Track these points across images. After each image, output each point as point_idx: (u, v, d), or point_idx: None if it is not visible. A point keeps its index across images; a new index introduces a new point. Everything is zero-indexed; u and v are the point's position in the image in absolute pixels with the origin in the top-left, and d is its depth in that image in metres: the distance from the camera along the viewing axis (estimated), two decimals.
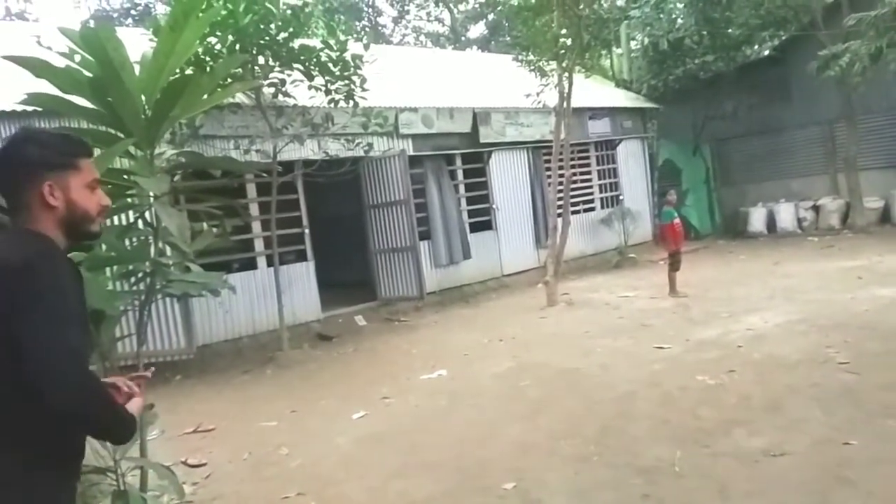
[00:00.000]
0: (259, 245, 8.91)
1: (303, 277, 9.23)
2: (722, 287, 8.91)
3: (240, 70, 7.12)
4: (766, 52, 14.85)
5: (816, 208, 13.92)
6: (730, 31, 13.85)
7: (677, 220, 8.77)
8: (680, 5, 14.03)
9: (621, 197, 13.82)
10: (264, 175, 7.93)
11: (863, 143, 12.96)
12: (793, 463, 3.43)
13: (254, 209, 8.82)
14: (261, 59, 7.46)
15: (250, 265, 8.93)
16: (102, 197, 1.70)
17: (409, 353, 7.55)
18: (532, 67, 10.00)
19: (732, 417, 4.17)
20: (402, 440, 4.62)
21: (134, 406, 1.66)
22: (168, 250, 2.93)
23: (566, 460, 3.86)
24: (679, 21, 14.19)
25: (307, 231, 9.33)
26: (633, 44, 16.85)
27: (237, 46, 7.03)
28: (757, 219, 14.63)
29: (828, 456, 3.45)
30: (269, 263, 8.44)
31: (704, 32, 13.88)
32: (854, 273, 8.54)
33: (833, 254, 10.61)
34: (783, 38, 14.19)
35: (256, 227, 8.87)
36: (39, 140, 1.64)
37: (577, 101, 10.29)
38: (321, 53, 7.65)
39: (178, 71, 3.38)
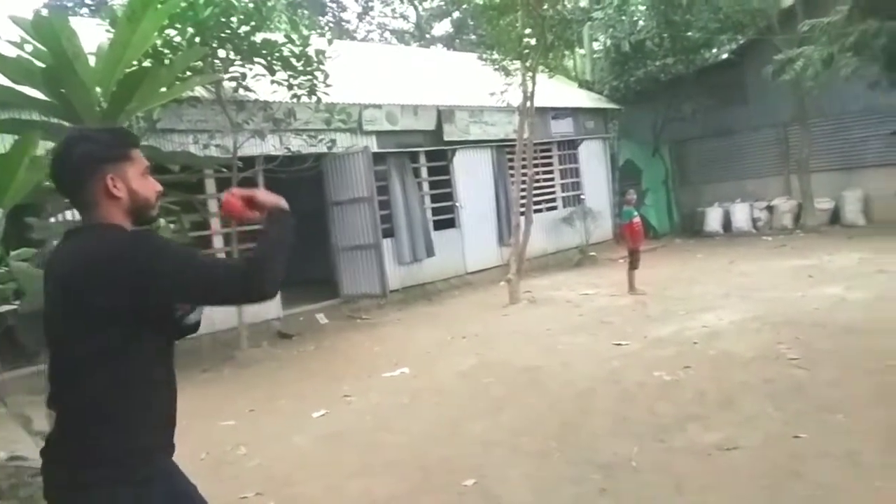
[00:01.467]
0: (218, 242, 8.76)
1: None
2: (679, 285, 9.10)
3: (200, 63, 6.99)
4: (725, 56, 15.18)
5: (770, 209, 14.33)
6: (689, 34, 14.12)
7: (637, 220, 8.93)
8: (642, 8, 14.28)
9: (583, 196, 14.00)
10: (224, 170, 7.80)
11: (815, 146, 13.38)
12: (745, 457, 3.53)
13: (213, 205, 8.67)
14: (221, 53, 7.32)
15: None
16: (155, 183, 1.78)
17: (371, 350, 7.52)
18: (496, 66, 10.05)
19: (688, 413, 4.27)
20: (362, 439, 4.60)
21: (266, 199, 1.88)
22: None
23: (527, 456, 3.89)
24: (640, 23, 14.44)
25: None
26: (595, 45, 17.07)
27: (197, 39, 6.89)
28: (713, 218, 14.99)
29: (779, 449, 3.56)
30: None
31: (665, 35, 14.14)
32: (805, 272, 8.81)
33: (786, 253, 10.94)
34: (741, 42, 14.54)
35: (215, 223, 8.71)
36: (93, 137, 1.73)
37: (540, 101, 10.38)
38: (283, 48, 7.55)
39: (135, 63, 3.31)
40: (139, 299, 1.56)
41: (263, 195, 1.86)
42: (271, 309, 9.08)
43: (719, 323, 6.61)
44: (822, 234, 12.57)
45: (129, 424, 1.64)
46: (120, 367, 1.60)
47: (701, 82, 14.57)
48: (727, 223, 14.82)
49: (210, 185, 8.71)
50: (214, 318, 8.43)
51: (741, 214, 14.58)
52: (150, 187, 1.75)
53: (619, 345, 6.22)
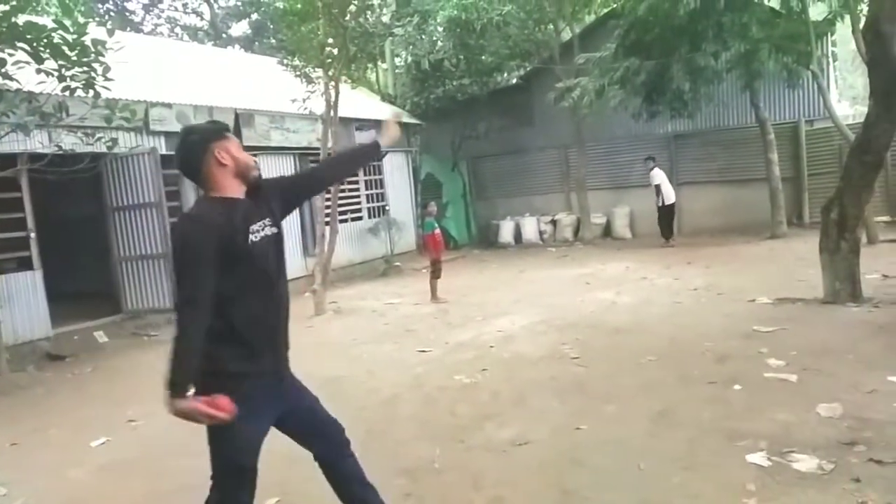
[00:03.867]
0: None
1: (27, 289, 7.96)
2: (477, 293, 9.62)
3: None
4: (514, 80, 16.44)
5: (554, 222, 15.75)
6: (483, 57, 15.05)
7: (438, 231, 9.28)
8: (440, 29, 14.93)
9: (387, 207, 14.23)
10: None
11: (590, 167, 14.98)
12: (535, 450, 3.80)
13: None
14: None
15: None
16: (248, 156, 2.41)
17: (159, 370, 6.89)
18: (298, 73, 9.85)
19: (485, 412, 4.51)
20: (151, 466, 4.20)
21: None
22: None
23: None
24: (439, 43, 15.08)
25: (33, 235, 8.08)
26: (397, 60, 17.51)
27: None
28: (506, 231, 16.11)
29: (563, 441, 3.89)
30: None
31: (461, 57, 14.93)
32: (583, 279, 9.80)
33: (567, 263, 12.08)
34: (528, 68, 15.85)
35: None
36: (197, 128, 2.45)
37: (343, 111, 10.36)
38: (54, 34, 6.68)
39: None
40: None
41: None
42: (37, 327, 7.98)
43: (512, 327, 7.08)
44: (597, 246, 14.10)
45: None
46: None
47: (494, 103, 15.63)
48: (518, 235, 16.02)
49: None
50: None
51: (530, 227, 15.84)
52: (247, 156, 2.39)
53: (422, 351, 6.39)
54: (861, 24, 7.65)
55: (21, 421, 5.50)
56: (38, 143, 7.44)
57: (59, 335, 8.25)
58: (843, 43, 16.60)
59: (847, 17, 10.18)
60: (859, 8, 9.66)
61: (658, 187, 12.51)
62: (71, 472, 4.23)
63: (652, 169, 12.61)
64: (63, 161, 7.49)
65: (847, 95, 29.20)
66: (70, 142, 7.60)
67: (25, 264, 8.11)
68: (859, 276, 6.57)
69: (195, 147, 2.30)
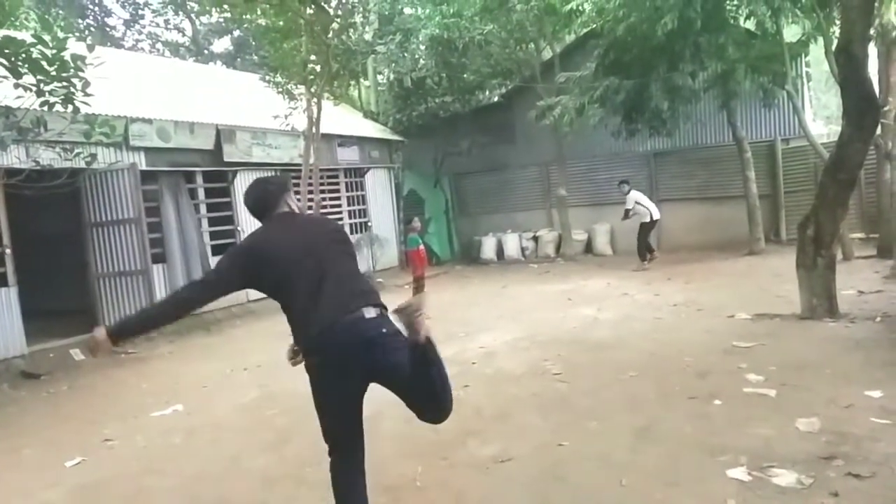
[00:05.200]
0: None
1: (2, 306, 7.83)
2: (459, 309, 9.61)
3: None
4: (496, 98, 16.58)
5: (536, 239, 15.83)
6: (465, 75, 15.18)
7: (422, 247, 9.29)
8: (422, 47, 15.04)
9: (370, 223, 14.22)
10: None
11: (571, 184, 15.11)
12: (518, 466, 3.79)
13: None
14: None
15: None
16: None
17: (137, 388, 6.81)
18: (280, 89, 9.86)
19: (467, 428, 4.48)
20: (127, 486, 4.12)
21: None
22: None
23: (312, 488, 3.78)
24: (421, 61, 15.19)
25: (8, 251, 7.95)
26: (380, 78, 17.59)
27: None
28: (488, 247, 16.15)
29: (546, 457, 3.88)
30: None
31: (444, 75, 15.03)
32: (565, 295, 9.84)
33: (549, 279, 12.13)
34: (509, 87, 16.00)
35: None
36: (274, 180, 3.50)
37: (326, 128, 10.39)
38: (33, 49, 6.62)
39: None
40: None
41: None
42: (11, 345, 7.83)
43: (494, 343, 7.08)
44: (579, 262, 14.18)
45: None
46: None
47: (476, 121, 15.73)
48: (500, 251, 16.06)
49: None
50: None
51: (512, 243, 15.90)
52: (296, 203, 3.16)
53: None
54: (833, 46, 7.84)
55: None
56: (14, 158, 7.36)
57: (35, 353, 8.10)
58: (817, 63, 16.99)
59: (820, 39, 10.44)
60: (832, 30, 9.91)
61: (627, 211, 12.23)
62: (45, 493, 4.14)
63: (628, 193, 12.29)
64: (41, 176, 7.39)
65: (821, 115, 29.84)
66: (48, 157, 7.51)
67: (0, 281, 7.97)
68: (835, 292, 6.68)
69: (279, 194, 3.04)
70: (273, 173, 11.76)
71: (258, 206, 2.99)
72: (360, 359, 2.68)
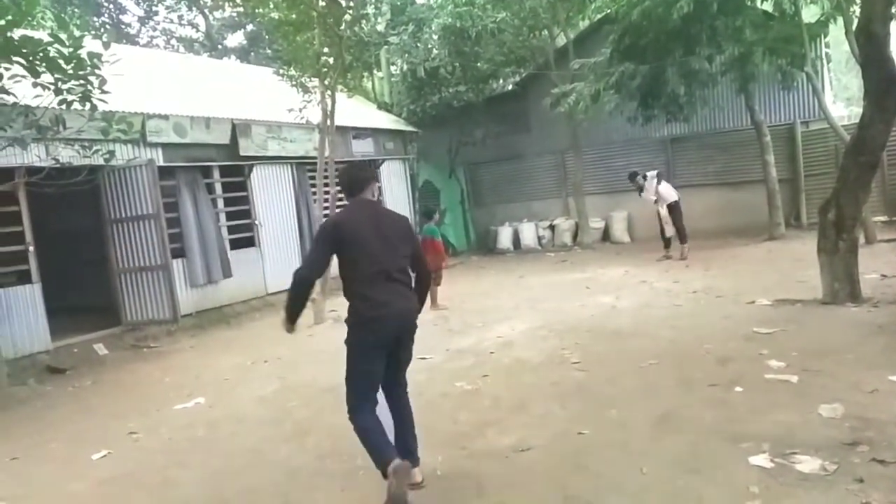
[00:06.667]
0: None
1: (26, 302, 7.96)
2: (476, 299, 9.61)
3: None
4: (510, 87, 16.48)
5: (552, 227, 15.76)
6: (479, 64, 15.10)
7: (439, 239, 9.27)
8: (435, 37, 14.98)
9: None
10: None
11: (587, 172, 15.01)
12: (538, 455, 3.80)
13: None
14: None
15: None
16: None
17: (160, 382, 6.90)
18: (294, 83, 9.87)
19: (486, 419, 4.50)
20: (152, 478, 4.19)
21: None
22: None
23: (333, 479, 3.82)
24: (434, 51, 15.13)
25: (31, 248, 8.08)
26: (393, 69, 17.55)
27: None
28: (505, 237, 16.11)
29: (566, 446, 3.88)
30: None
31: (457, 64, 14.96)
32: (583, 283, 9.80)
33: (566, 267, 12.08)
34: (523, 75, 15.90)
35: None
36: (366, 166, 4.48)
37: (340, 120, 10.38)
38: (50, 48, 6.69)
39: None
40: None
41: None
42: (37, 341, 7.97)
43: (512, 333, 7.08)
44: (596, 250, 14.11)
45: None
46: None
47: (490, 110, 15.66)
48: (517, 241, 16.02)
49: None
50: None
51: (528, 233, 15.85)
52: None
53: (423, 359, 6.36)
54: (854, 26, 7.69)
55: (21, 435, 5.48)
56: (35, 156, 7.45)
57: (59, 348, 8.24)
58: (837, 44, 16.65)
59: (840, 19, 10.23)
60: (852, 10, 9.72)
61: (656, 200, 11.36)
62: (72, 485, 4.22)
63: (644, 181, 11.50)
64: (60, 174, 7.50)
65: (842, 97, 29.31)
66: (67, 155, 7.61)
67: (24, 278, 8.10)
68: (858, 276, 6.58)
69: (369, 178, 3.63)
70: (289, 167, 11.83)
71: (349, 187, 3.59)
72: (392, 339, 3.53)
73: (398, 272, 3.47)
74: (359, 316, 3.42)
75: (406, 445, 3.56)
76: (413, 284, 3.63)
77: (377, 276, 3.39)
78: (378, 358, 3.51)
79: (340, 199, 12.46)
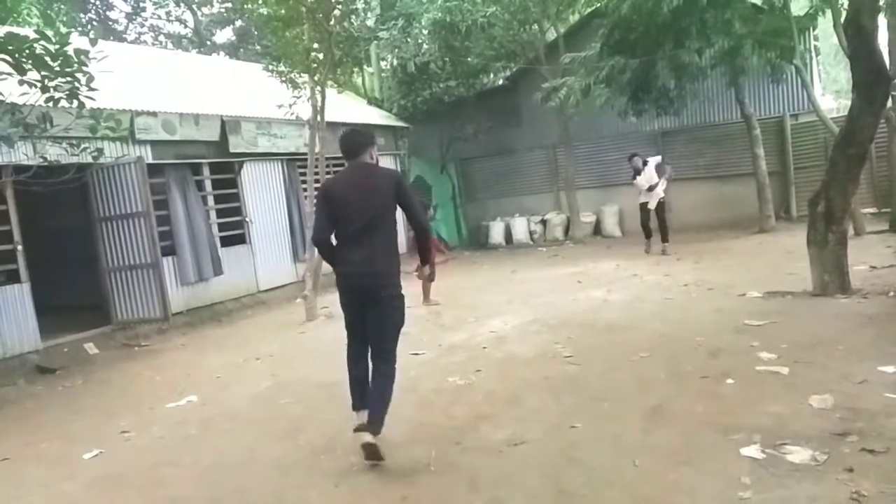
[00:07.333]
0: None
1: (15, 302, 7.89)
2: (469, 294, 9.61)
3: None
4: (501, 81, 16.46)
5: (544, 222, 15.79)
6: (469, 59, 15.07)
7: (433, 235, 9.25)
8: (425, 32, 14.94)
9: None
10: None
11: (578, 166, 15.04)
12: (531, 449, 3.80)
13: None
14: None
15: None
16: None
17: (152, 380, 6.87)
18: (283, 78, 9.81)
19: (480, 413, 4.50)
20: (144, 477, 4.17)
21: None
22: None
23: (327, 476, 3.81)
24: (425, 46, 15.08)
25: (20, 248, 8.01)
26: (383, 64, 17.49)
27: None
28: (497, 231, 16.12)
29: (559, 440, 3.89)
30: None
31: (447, 59, 14.91)
32: (575, 278, 9.82)
33: (558, 262, 12.10)
34: (514, 69, 15.88)
35: None
36: (364, 131, 4.19)
37: (331, 116, 10.34)
38: (36, 45, 6.62)
39: None
40: None
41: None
42: (26, 340, 7.92)
43: (505, 327, 7.09)
44: (587, 244, 14.14)
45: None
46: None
47: (481, 105, 15.64)
48: (509, 236, 16.03)
49: None
50: None
51: (520, 227, 15.86)
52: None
53: (416, 354, 6.37)
54: (842, 19, 7.72)
55: (12, 435, 5.44)
56: (22, 154, 7.39)
57: (49, 348, 8.18)
58: (826, 37, 16.76)
59: (828, 12, 10.28)
60: (840, 3, 9.76)
61: (650, 188, 10.97)
62: (64, 485, 4.19)
63: (643, 166, 10.99)
64: (48, 172, 7.43)
65: (831, 89, 29.48)
66: (55, 153, 7.54)
67: (13, 277, 8.04)
68: (847, 268, 6.63)
69: (367, 142, 3.98)
70: (279, 163, 11.78)
71: (346, 150, 3.94)
72: (359, 298, 3.92)
73: (375, 232, 3.79)
74: (336, 272, 3.93)
75: (371, 412, 3.79)
76: (393, 245, 3.99)
77: (352, 236, 3.78)
78: (351, 315, 3.99)
79: None
